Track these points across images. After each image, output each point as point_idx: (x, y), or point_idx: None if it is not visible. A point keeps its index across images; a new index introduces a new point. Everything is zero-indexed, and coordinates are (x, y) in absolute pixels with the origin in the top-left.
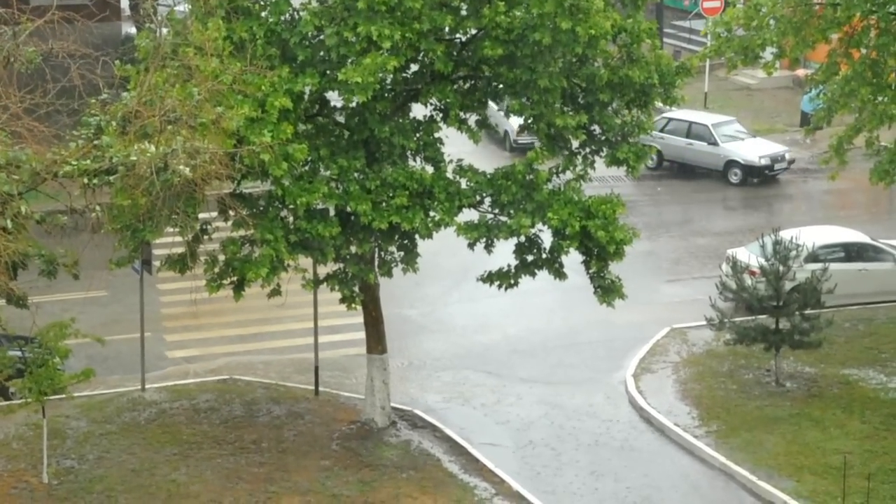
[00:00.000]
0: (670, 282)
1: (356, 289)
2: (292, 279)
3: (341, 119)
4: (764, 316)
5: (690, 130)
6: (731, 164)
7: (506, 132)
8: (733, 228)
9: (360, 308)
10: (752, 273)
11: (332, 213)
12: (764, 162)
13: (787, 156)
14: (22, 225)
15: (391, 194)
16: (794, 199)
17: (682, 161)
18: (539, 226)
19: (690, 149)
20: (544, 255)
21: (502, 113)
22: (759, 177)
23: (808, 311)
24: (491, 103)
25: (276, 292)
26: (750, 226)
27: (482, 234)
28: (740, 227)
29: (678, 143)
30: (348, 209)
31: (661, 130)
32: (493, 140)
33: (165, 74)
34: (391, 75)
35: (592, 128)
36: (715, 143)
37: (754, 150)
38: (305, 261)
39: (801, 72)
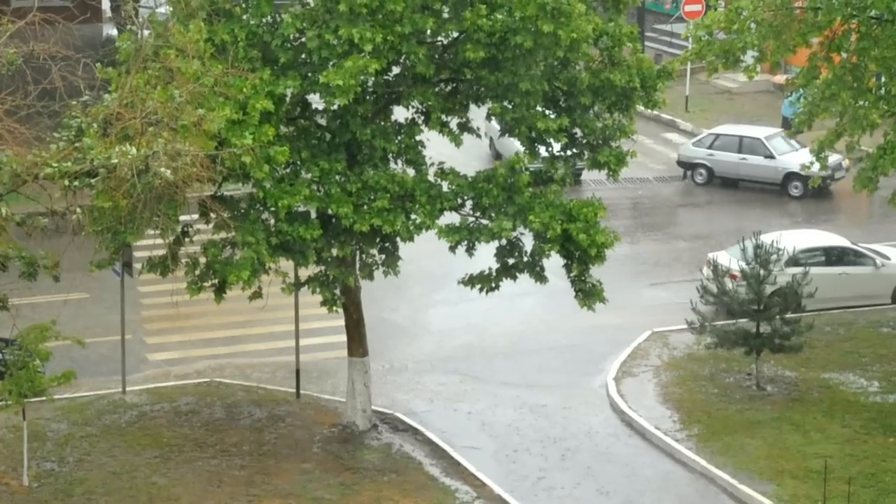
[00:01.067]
0: (652, 285)
1: (337, 291)
2: (273, 282)
3: (323, 122)
4: (745, 320)
5: (742, 145)
6: (790, 176)
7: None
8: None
9: (341, 311)
10: (733, 277)
11: (313, 215)
12: (824, 172)
13: (844, 163)
14: (2, 227)
15: (372, 197)
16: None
17: (735, 177)
18: (520, 229)
19: (745, 164)
20: (525, 259)
21: (513, 140)
22: (819, 187)
23: (788, 315)
24: (496, 133)
25: (257, 295)
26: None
27: (463, 237)
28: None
29: (730, 159)
30: (329, 212)
31: (710, 147)
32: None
33: (147, 76)
34: (372, 78)
35: (574, 131)
36: (771, 157)
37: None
38: (286, 263)
39: (778, 78)
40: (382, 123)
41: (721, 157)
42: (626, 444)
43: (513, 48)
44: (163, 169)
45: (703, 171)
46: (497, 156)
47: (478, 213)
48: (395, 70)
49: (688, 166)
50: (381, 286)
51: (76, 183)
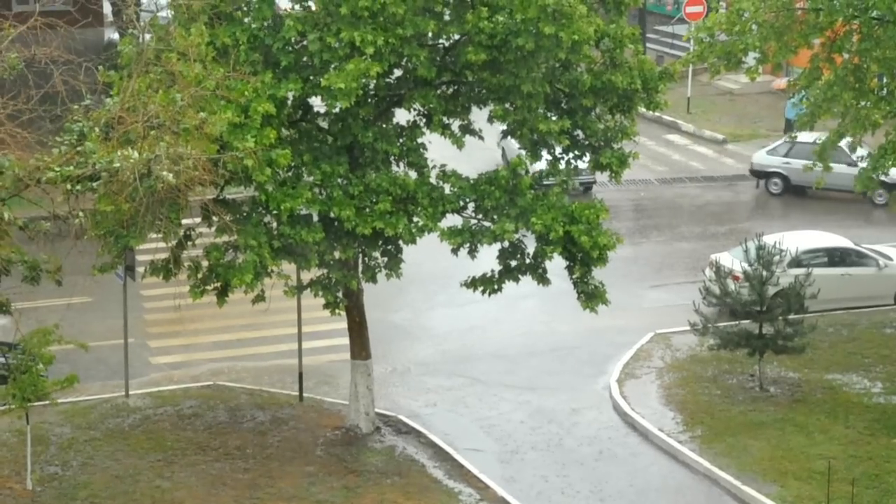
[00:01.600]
0: (654, 287)
1: (340, 294)
2: (276, 285)
3: (324, 125)
4: (747, 321)
5: None
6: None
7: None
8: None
9: (343, 314)
10: (736, 278)
11: (315, 218)
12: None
13: None
14: (5, 231)
15: (375, 200)
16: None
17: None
18: (522, 231)
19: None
20: (528, 261)
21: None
22: None
23: (791, 316)
24: (513, 145)
25: (259, 298)
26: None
27: (466, 239)
28: None
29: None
30: (332, 215)
31: (785, 155)
32: None
33: (148, 80)
34: (374, 81)
35: (576, 133)
36: (853, 164)
37: None
38: (289, 267)
39: (777, 83)
40: (384, 126)
41: (797, 166)
42: (629, 445)
43: (514, 50)
44: (165, 172)
45: (778, 180)
46: None
47: (480, 216)
48: (397, 73)
49: (762, 175)
50: (384, 289)
51: (78, 187)
